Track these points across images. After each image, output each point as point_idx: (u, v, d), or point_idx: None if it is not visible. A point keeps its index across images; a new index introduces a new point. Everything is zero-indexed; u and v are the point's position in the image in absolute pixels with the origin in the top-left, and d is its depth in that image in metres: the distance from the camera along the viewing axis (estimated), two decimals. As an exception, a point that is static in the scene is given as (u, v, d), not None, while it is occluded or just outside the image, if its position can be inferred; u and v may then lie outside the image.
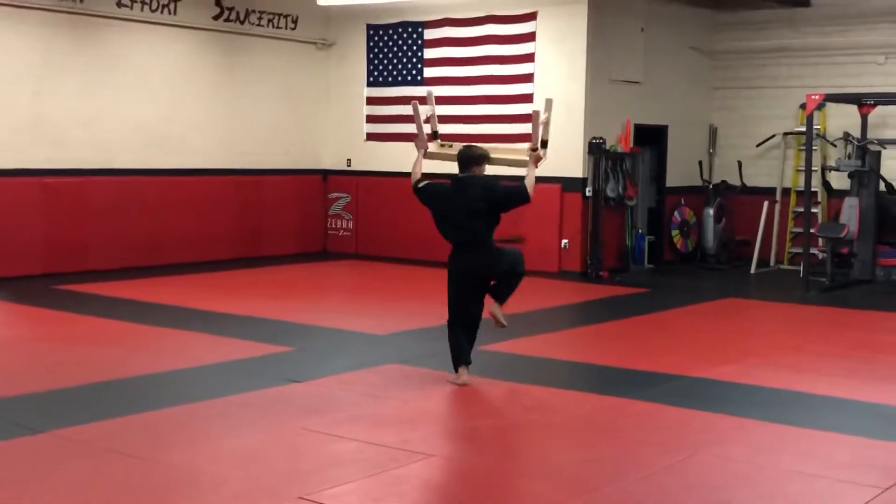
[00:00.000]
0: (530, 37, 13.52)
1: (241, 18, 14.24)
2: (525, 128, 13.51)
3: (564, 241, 13.40)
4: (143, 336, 8.94)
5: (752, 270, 13.96)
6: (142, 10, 13.15)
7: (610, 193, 13.46)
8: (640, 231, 14.16)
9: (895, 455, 5.78)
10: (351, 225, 15.42)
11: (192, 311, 10.18)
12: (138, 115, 13.23)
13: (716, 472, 5.53)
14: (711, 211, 14.40)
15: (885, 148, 13.21)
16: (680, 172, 14.81)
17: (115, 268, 12.70)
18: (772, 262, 14.46)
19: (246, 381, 7.21)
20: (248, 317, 9.84)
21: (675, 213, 14.62)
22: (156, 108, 13.43)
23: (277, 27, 14.70)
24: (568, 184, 13.32)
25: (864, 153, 12.96)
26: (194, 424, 6.20)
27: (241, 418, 6.32)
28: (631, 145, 13.72)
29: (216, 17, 13.98)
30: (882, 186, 13.08)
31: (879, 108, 13.11)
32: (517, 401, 7.02)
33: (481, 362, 8.14)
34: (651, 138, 14.32)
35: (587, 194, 13.33)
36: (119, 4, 12.91)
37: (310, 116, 15.37)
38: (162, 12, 13.36)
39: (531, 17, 13.49)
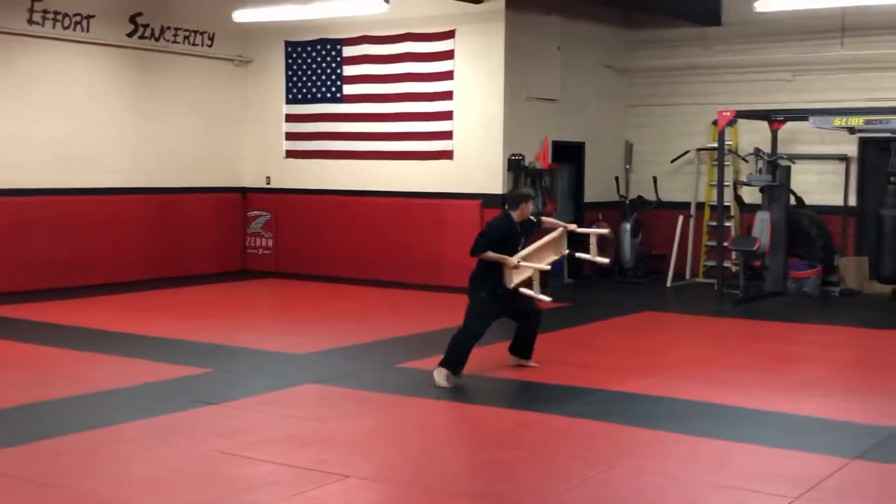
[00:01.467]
0: (449, 55, 13.58)
1: (157, 35, 14.06)
2: (444, 144, 13.67)
3: (485, 257, 13.44)
4: (52, 360, 8.73)
5: (669, 284, 14.18)
6: (53, 27, 12.90)
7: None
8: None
9: (806, 464, 5.90)
10: (270, 243, 15.28)
11: (105, 333, 9.98)
12: (50, 134, 12.96)
13: (633, 485, 5.58)
14: (628, 226, 14.58)
15: (794, 163, 13.54)
16: (597, 188, 14.99)
17: (23, 290, 12.38)
18: (687, 276, 14.70)
19: (160, 404, 7.08)
20: (164, 338, 9.68)
21: (593, 228, 14.76)
22: (68, 126, 13.17)
23: (194, 44, 14.54)
24: (488, 200, 13.38)
25: (775, 168, 13.25)
26: (105, 450, 6.07)
27: (154, 442, 6.20)
28: (549, 162, 13.85)
29: (131, 35, 13.78)
30: (792, 200, 13.39)
31: (789, 124, 13.43)
32: (437, 419, 7.01)
33: (401, 380, 8.14)
34: (569, 155, 14.47)
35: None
36: (30, 21, 12.64)
37: (228, 134, 15.22)
38: (74, 29, 13.12)
39: (449, 35, 13.56)
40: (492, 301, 8.09)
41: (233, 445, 6.12)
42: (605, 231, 9.31)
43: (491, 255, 8.01)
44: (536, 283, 8.19)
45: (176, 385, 7.76)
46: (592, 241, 8.79)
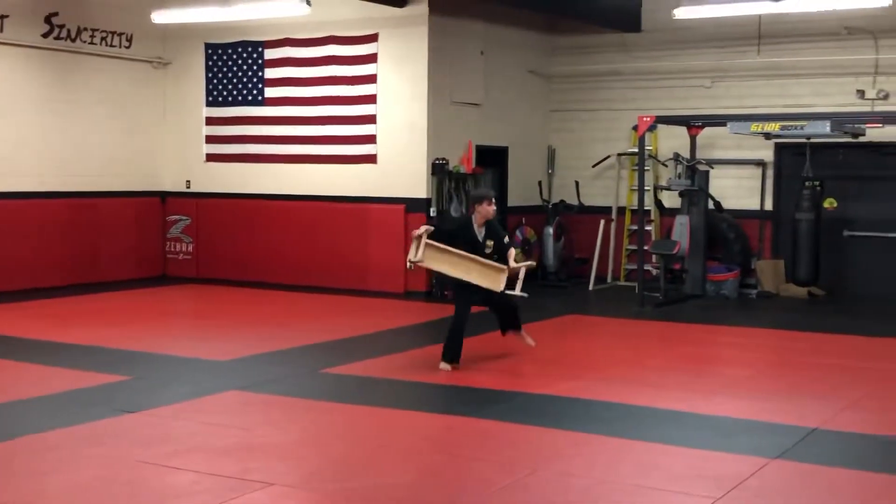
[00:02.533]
0: (372, 58, 13.54)
1: (73, 36, 13.76)
2: (368, 148, 13.62)
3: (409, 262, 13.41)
4: (-34, 368, 8.49)
5: (591, 287, 14.33)
6: (-35, 26, 12.58)
7: (454, 213, 13.57)
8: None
9: (728, 465, 5.99)
10: (191, 248, 15.06)
11: (19, 340, 9.72)
12: (-39, 136, 12.62)
13: (557, 488, 5.61)
14: (551, 230, 14.69)
15: (712, 168, 13.79)
16: (520, 192, 15.08)
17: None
18: (609, 279, 14.87)
19: (78, 413, 6.92)
20: (82, 346, 9.47)
21: (517, 232, 14.85)
22: (-19, 128, 12.85)
23: (111, 45, 14.26)
24: (412, 204, 13.38)
25: (694, 173, 13.48)
26: (21, 460, 5.90)
27: (73, 452, 6.05)
28: (473, 166, 13.88)
29: (46, 35, 13.46)
30: (711, 205, 13.63)
31: (707, 130, 13.67)
32: (361, 424, 6.96)
33: (325, 386, 8.08)
34: (492, 159, 14.53)
35: (431, 215, 13.40)
36: (-61, 20, 12.31)
37: (147, 137, 14.96)
38: (-13, 29, 12.81)
39: (372, 38, 13.51)
40: (460, 289, 8.71)
41: (154, 455, 6.00)
42: (531, 264, 9.40)
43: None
44: (519, 280, 8.65)
45: (95, 393, 7.59)
46: (521, 275, 8.80)
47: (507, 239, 8.91)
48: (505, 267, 8.61)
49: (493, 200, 8.76)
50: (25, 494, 5.34)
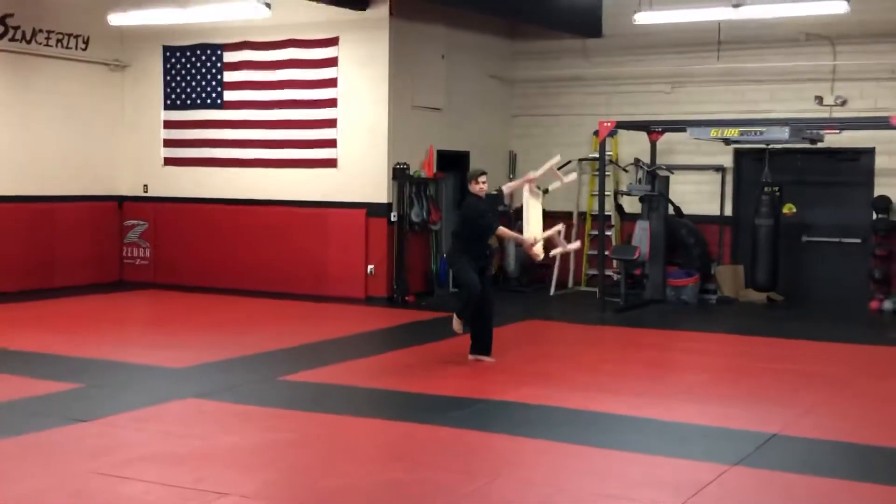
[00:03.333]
0: (332, 62, 13.44)
1: (28, 38, 13.54)
2: (328, 152, 13.51)
3: (370, 266, 13.35)
4: (-87, 376, 8.28)
5: (552, 292, 14.31)
6: (-85, 26, 12.33)
7: (415, 218, 13.51)
8: (444, 255, 14.24)
9: (687, 472, 5.96)
10: (148, 253, 14.86)
11: (-30, 347, 9.53)
12: (-89, 139, 12.36)
13: (517, 495, 5.55)
14: (513, 235, 14.62)
15: (672, 173, 13.83)
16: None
17: None
18: (570, 284, 14.86)
19: (27, 422, 6.76)
20: (33, 352, 9.28)
21: (478, 238, 14.79)
22: (-69, 131, 12.60)
23: (67, 47, 14.05)
24: (373, 209, 13.30)
25: (654, 178, 13.50)
26: (-32, 472, 5.75)
27: (20, 462, 5.91)
28: (434, 171, 13.82)
29: (0, 37, 13.24)
30: (671, 210, 13.66)
31: (667, 135, 13.71)
32: (317, 433, 6.85)
33: (282, 394, 7.97)
34: (454, 164, 14.46)
35: (392, 219, 13.33)
36: None
37: (103, 140, 14.75)
38: (-62, 29, 12.56)
39: (333, 42, 13.42)
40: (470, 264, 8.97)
41: (106, 464, 5.87)
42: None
43: (505, 231, 9.42)
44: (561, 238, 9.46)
45: (45, 402, 7.43)
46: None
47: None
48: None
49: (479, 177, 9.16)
50: (-29, 507, 5.21)
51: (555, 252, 9.85)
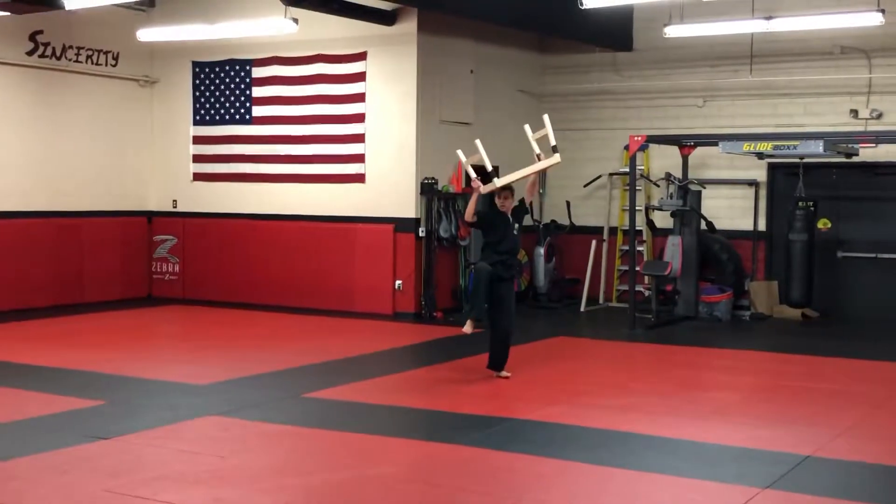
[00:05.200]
0: (360, 77, 13.39)
1: (58, 54, 13.60)
2: (356, 167, 13.45)
3: (398, 282, 13.25)
4: (-63, 393, 8.27)
5: (582, 308, 14.14)
6: (-53, 43, 12.42)
7: (443, 234, 13.40)
8: (473, 271, 14.12)
9: (715, 495, 5.79)
10: (177, 269, 14.86)
11: (-5, 363, 9.52)
12: (-58, 155, 12.44)
13: (539, 520, 5.41)
14: (542, 250, 14.52)
15: (705, 187, 13.64)
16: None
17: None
18: (601, 300, 14.68)
19: (47, 440, 6.70)
20: (58, 368, 9.25)
21: (507, 253, 14.66)
22: (-38, 147, 12.67)
23: (97, 63, 14.11)
24: (401, 224, 13.20)
25: (686, 193, 13.32)
26: (-17, 491, 5.69)
27: (38, 481, 5.84)
28: (463, 186, 13.71)
29: (30, 53, 13.32)
30: (703, 225, 13.46)
31: (699, 149, 13.52)
32: (340, 452, 6.74)
33: (307, 411, 7.87)
34: (482, 179, 14.28)
35: (420, 235, 13.23)
36: (-79, 37, 12.14)
37: (133, 156, 14.79)
38: (-30, 46, 12.65)
39: (361, 56, 13.37)
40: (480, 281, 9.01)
41: (122, 484, 5.78)
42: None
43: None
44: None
45: (65, 419, 7.38)
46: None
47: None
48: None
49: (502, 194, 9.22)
50: (-17, 527, 5.14)
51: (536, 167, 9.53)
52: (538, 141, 9.30)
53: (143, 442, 6.78)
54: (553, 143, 9.26)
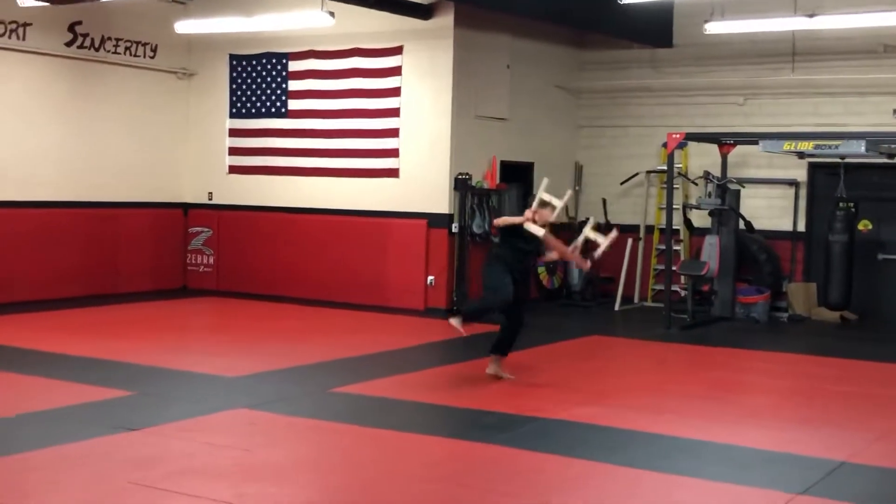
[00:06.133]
0: (396, 71, 13.33)
1: (97, 45, 13.66)
2: (390, 162, 13.41)
3: (431, 277, 13.19)
4: (-31, 380, 8.32)
5: (617, 308, 14.00)
6: (-13, 34, 12.50)
7: (476, 230, 13.31)
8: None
9: (748, 500, 5.67)
10: (212, 260, 14.89)
11: (27, 352, 9.55)
12: (-19, 145, 12.53)
13: (565, 522, 5.32)
14: (577, 248, 14.35)
15: (744, 187, 13.44)
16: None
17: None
18: (636, 300, 14.53)
19: (75, 430, 6.70)
20: (89, 359, 9.27)
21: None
22: (1, 137, 12.72)
23: (135, 55, 14.16)
24: (434, 220, 13.14)
25: (724, 192, 13.13)
26: (9, 480, 5.68)
27: (64, 472, 5.83)
28: (497, 182, 13.63)
29: (69, 44, 13.38)
30: (741, 225, 13.27)
31: (739, 148, 13.33)
32: (366, 448, 6.69)
33: (335, 406, 7.83)
34: (517, 175, 14.25)
35: (453, 230, 13.16)
36: (-38, 27, 12.24)
37: (169, 148, 14.83)
38: (10, 37, 12.70)
39: (397, 51, 13.31)
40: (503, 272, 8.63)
41: (146, 476, 5.76)
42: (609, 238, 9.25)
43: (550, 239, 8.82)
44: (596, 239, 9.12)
45: (95, 409, 7.38)
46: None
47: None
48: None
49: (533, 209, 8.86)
50: (7, 517, 5.13)
51: (598, 252, 9.41)
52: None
53: (170, 434, 6.76)
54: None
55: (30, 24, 12.87)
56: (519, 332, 8.92)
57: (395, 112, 13.35)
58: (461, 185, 13.12)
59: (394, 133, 13.36)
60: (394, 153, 13.38)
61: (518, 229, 8.72)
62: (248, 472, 5.98)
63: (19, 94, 12.94)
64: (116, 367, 8.92)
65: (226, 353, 9.95)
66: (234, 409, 7.52)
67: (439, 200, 13.12)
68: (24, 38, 12.85)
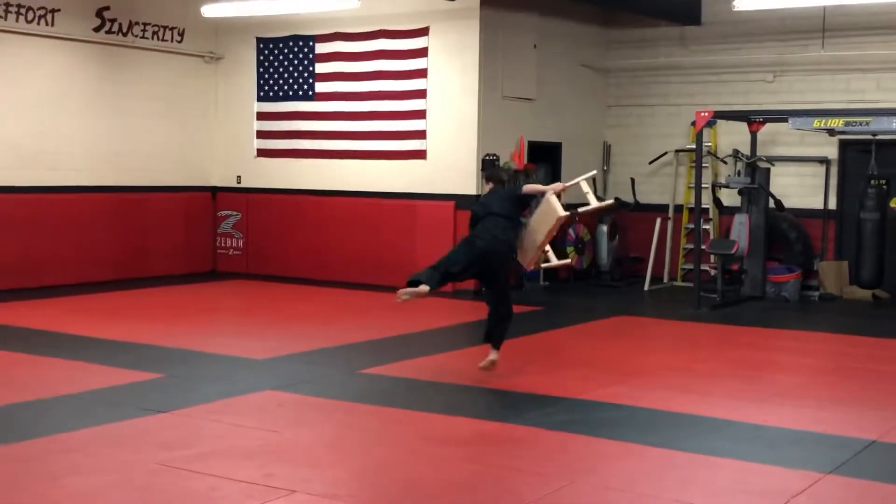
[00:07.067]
0: (422, 52, 13.30)
1: (125, 30, 13.73)
2: (417, 144, 13.39)
3: (458, 259, 13.15)
4: (2, 364, 8.39)
5: (646, 287, 13.94)
6: (17, 20, 12.57)
7: (504, 211, 13.25)
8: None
9: (776, 480, 5.63)
10: (241, 244, 14.96)
11: (58, 335, 9.65)
12: (10, 131, 12.62)
13: (593, 502, 5.30)
14: (605, 228, 14.33)
15: (774, 165, 13.32)
16: (574, 190, 14.64)
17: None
18: (665, 279, 14.46)
19: (104, 412, 6.76)
20: (119, 342, 9.35)
21: (570, 230, 14.52)
22: (30, 123, 12.83)
23: (163, 39, 14.21)
24: (461, 201, 13.10)
25: (754, 170, 13.03)
26: (40, 462, 5.74)
27: (93, 454, 5.89)
28: (525, 162, 13.58)
29: (97, 29, 13.45)
30: (771, 203, 13.16)
31: (768, 126, 13.21)
32: (393, 429, 6.71)
33: (362, 387, 7.85)
34: (545, 155, 14.20)
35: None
36: (-8, 14, 12.32)
37: (197, 131, 14.89)
38: (39, 23, 12.79)
39: (423, 32, 13.28)
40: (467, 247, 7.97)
41: (175, 458, 5.81)
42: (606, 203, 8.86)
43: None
44: (550, 253, 8.38)
45: (124, 392, 7.44)
46: (591, 198, 8.44)
47: (521, 188, 8.36)
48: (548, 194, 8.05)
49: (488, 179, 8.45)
50: (36, 498, 5.18)
51: (546, 265, 8.67)
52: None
53: (199, 415, 6.81)
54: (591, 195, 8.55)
55: (58, 10, 12.95)
56: (503, 322, 8.10)
57: (421, 93, 13.32)
58: (488, 166, 13.07)
59: (421, 115, 13.34)
60: (421, 135, 13.37)
61: (529, 199, 8.38)
62: (277, 452, 6.02)
63: (49, 80, 13.03)
64: (147, 350, 9.00)
65: (254, 335, 10.00)
66: (262, 391, 7.56)
67: (467, 182, 13.10)
68: (52, 24, 12.93)
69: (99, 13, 13.43)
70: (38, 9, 12.76)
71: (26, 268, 12.70)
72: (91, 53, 13.45)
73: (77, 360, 8.51)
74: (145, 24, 13.95)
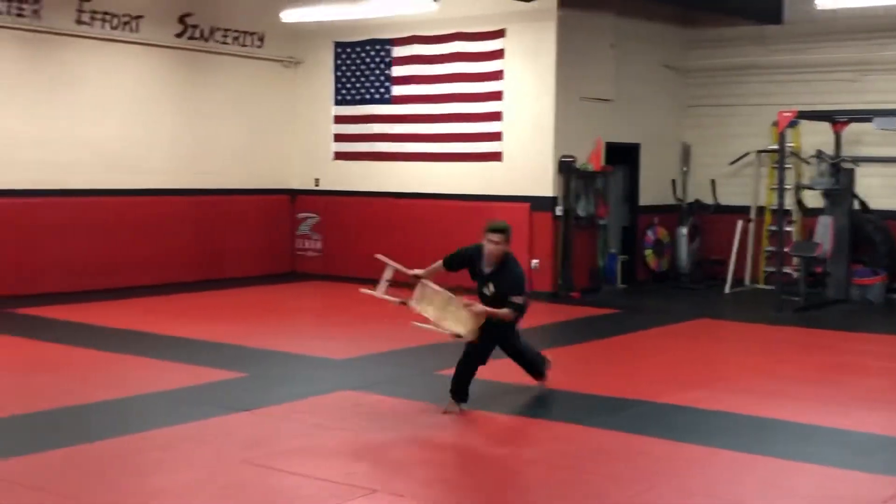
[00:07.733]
0: (499, 54, 13.30)
1: (206, 36, 13.97)
2: (493, 146, 13.39)
3: (534, 261, 13.14)
4: (92, 362, 8.62)
5: (727, 290, 13.74)
6: (102, 27, 12.87)
7: (581, 213, 13.22)
8: (612, 251, 13.91)
9: (863, 486, 5.52)
10: (319, 245, 15.12)
11: (143, 335, 9.86)
12: (96, 135, 12.92)
13: (673, 506, 5.26)
14: (685, 230, 14.18)
15: (858, 165, 13.04)
16: (653, 191, 14.60)
17: (68, 291, 12.28)
18: (746, 282, 14.24)
19: (189, 411, 6.90)
20: (202, 341, 9.52)
21: (649, 233, 14.40)
22: (115, 127, 13.13)
23: (243, 45, 14.43)
24: (537, 203, 13.08)
25: (838, 171, 12.77)
26: (127, 459, 5.89)
27: (179, 451, 6.01)
28: (602, 164, 13.49)
29: (180, 35, 13.71)
30: (856, 205, 12.89)
31: (853, 126, 12.94)
32: (472, 430, 6.72)
33: (438, 388, 7.86)
34: (623, 156, 14.09)
35: (557, 214, 13.08)
36: (78, 21, 12.61)
37: (276, 135, 15.10)
38: (123, 29, 13.08)
39: (499, 34, 13.28)
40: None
41: (259, 456, 5.90)
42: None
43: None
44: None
45: (208, 391, 7.58)
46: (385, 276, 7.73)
47: (515, 297, 7.27)
48: (480, 310, 7.18)
49: (501, 238, 7.28)
50: (125, 495, 5.30)
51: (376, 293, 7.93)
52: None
53: (280, 414, 6.90)
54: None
55: (141, 17, 13.23)
56: (526, 357, 7.69)
57: (497, 95, 13.32)
58: (565, 167, 13.03)
59: (497, 116, 13.33)
60: (497, 136, 13.37)
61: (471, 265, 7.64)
62: (356, 452, 6.08)
63: (133, 85, 13.33)
64: (229, 350, 9.14)
65: (333, 336, 10.10)
66: (342, 391, 7.64)
67: (543, 183, 13.06)
68: (136, 31, 13.21)
69: (181, 20, 13.69)
70: (123, 15, 13.05)
71: (110, 269, 12.99)
72: (173, 59, 13.72)
73: (160, 359, 8.69)
74: (226, 30, 14.18)
